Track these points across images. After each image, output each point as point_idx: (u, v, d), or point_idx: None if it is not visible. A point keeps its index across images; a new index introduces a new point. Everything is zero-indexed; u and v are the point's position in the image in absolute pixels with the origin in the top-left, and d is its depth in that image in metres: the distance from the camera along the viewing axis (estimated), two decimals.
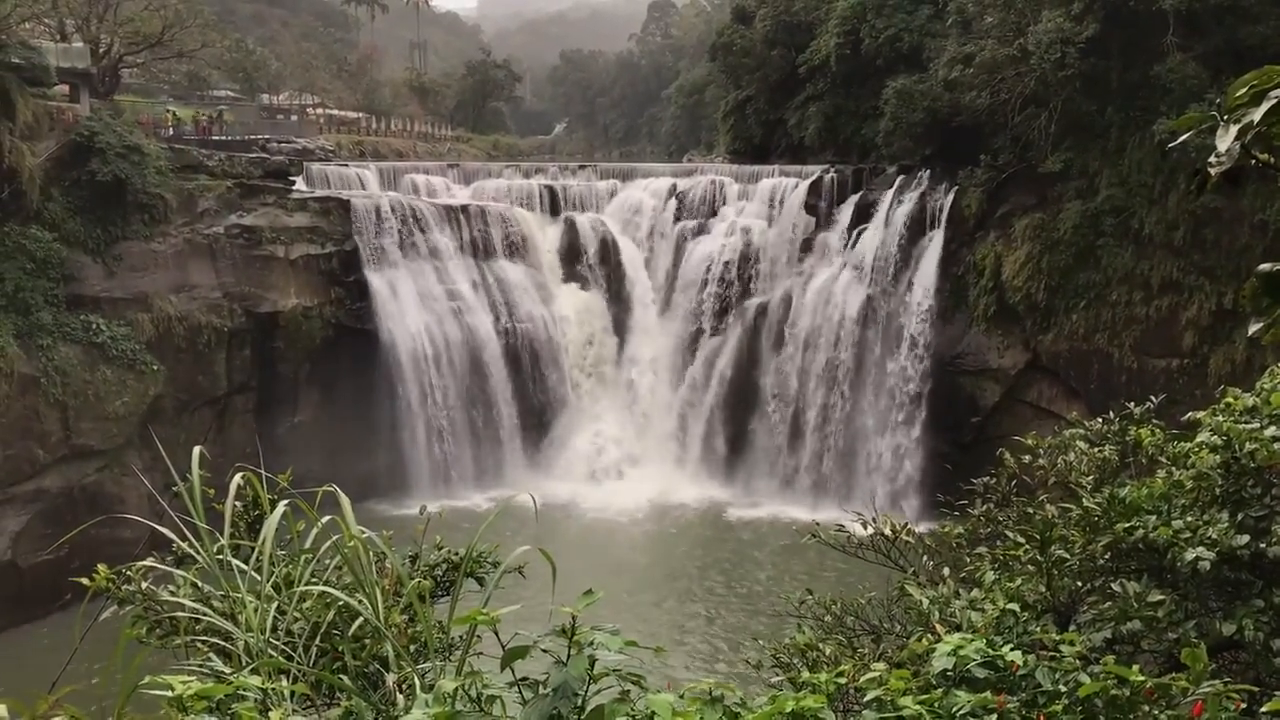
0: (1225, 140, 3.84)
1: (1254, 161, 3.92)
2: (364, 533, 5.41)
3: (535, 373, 56.07)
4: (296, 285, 50.75)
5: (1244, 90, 3.89)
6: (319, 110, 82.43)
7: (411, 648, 5.46)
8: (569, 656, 3.95)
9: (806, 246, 54.97)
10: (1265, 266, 4.26)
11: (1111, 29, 43.25)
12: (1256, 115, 3.76)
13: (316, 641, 5.40)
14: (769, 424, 54.13)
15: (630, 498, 52.10)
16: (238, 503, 6.35)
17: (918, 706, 5.18)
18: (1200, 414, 8.82)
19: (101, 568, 6.26)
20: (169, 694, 4.29)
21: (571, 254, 58.40)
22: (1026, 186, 47.53)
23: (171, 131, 54.60)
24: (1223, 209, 40.48)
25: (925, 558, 11.12)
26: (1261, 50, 39.11)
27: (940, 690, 5.43)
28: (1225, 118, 3.90)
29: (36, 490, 42.37)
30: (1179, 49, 41.66)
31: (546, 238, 58.66)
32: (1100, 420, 11.22)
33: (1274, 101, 3.75)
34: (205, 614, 5.43)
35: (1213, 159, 3.91)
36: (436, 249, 54.44)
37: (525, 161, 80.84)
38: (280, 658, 5.12)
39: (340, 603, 5.37)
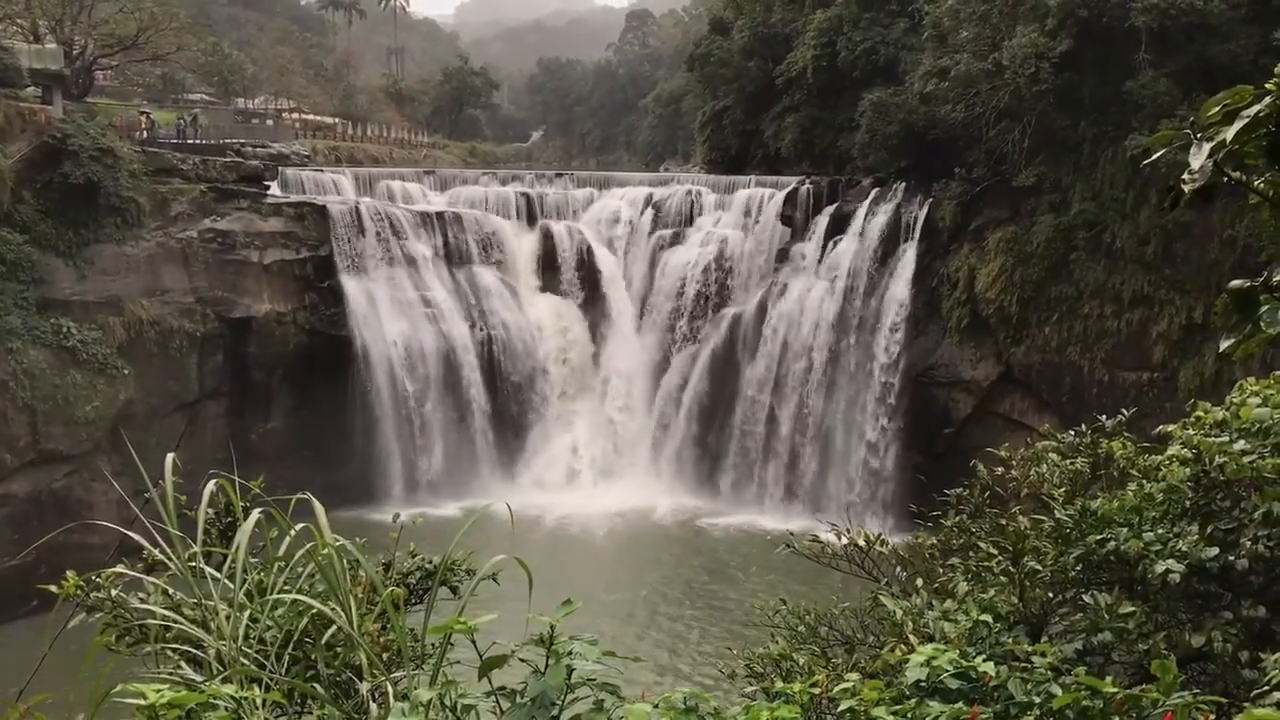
0: (1199, 158, 3.90)
1: (1225, 179, 3.98)
2: (338, 540, 5.38)
3: (510, 381, 55.93)
4: (270, 290, 50.44)
5: (1216, 109, 3.95)
6: (295, 115, 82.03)
7: (385, 656, 5.43)
8: (547, 666, 3.94)
9: (782, 257, 55.17)
10: (1235, 283, 4.31)
11: (1084, 45, 43.69)
12: (1229, 134, 3.82)
13: (289, 650, 5.35)
14: (743, 433, 54.18)
15: (605, 506, 52.04)
16: (210, 509, 6.30)
17: (891, 717, 5.20)
18: (1171, 427, 8.91)
19: (70, 574, 6.18)
20: (141, 702, 4.25)
21: (548, 262, 58.32)
22: (1000, 200, 47.90)
23: (146, 135, 54.17)
24: (1193, 224, 40.93)
25: (898, 568, 11.17)
26: (1231, 68, 39.62)
27: (914, 701, 5.46)
28: (1198, 136, 3.95)
29: (4, 495, 41.88)
30: (1150, 66, 42.13)
31: (522, 245, 58.56)
32: (1072, 432, 11.30)
33: (1245, 121, 3.81)
34: (176, 621, 5.38)
35: (1186, 176, 3.96)
36: (412, 255, 54.24)
37: (502, 169, 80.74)
38: (253, 666, 5.08)
39: (313, 610, 5.33)
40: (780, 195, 55.98)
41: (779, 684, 6.86)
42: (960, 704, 5.37)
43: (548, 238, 58.53)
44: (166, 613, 5.47)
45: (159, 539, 5.82)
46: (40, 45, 52.74)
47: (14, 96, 46.29)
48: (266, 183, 53.78)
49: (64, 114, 47.85)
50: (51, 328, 43.63)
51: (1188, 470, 8.14)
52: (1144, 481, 8.84)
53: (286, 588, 5.59)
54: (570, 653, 3.98)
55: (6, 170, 43.23)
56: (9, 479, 42.18)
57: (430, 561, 7.12)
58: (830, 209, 54.20)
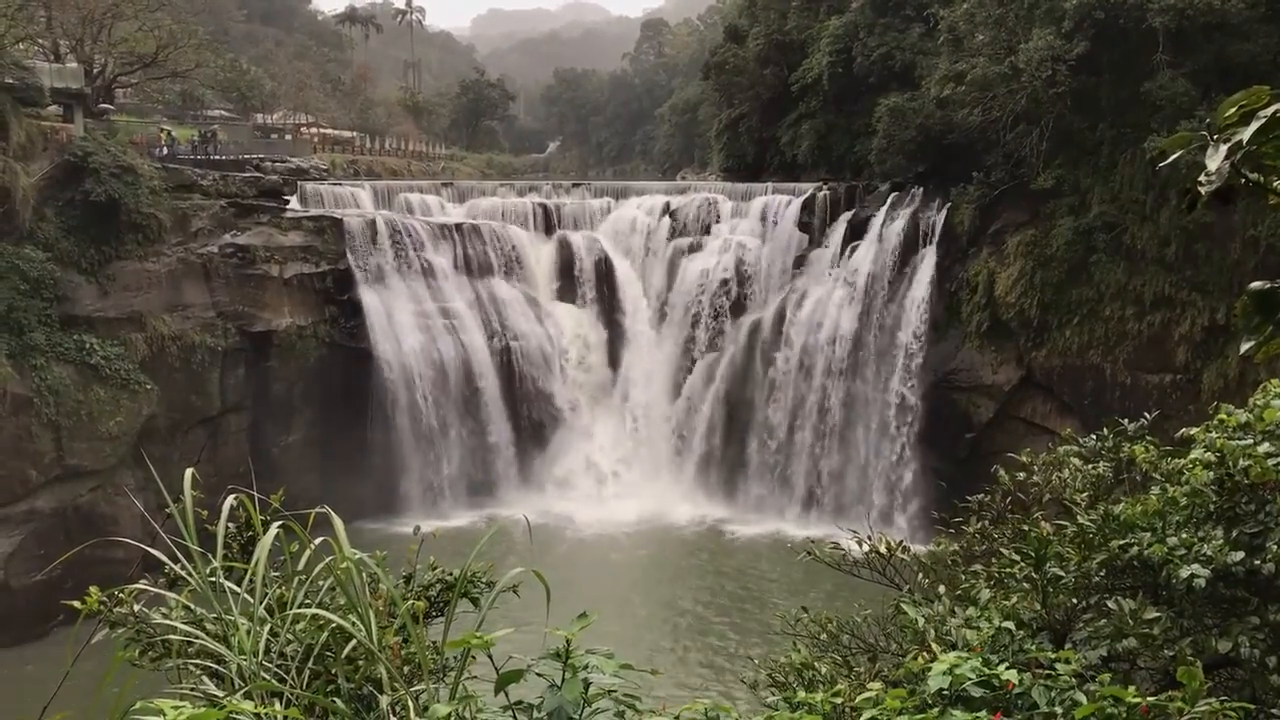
0: (1215, 160, 3.85)
1: (1244, 180, 3.94)
2: (357, 554, 5.38)
3: (529, 391, 56.01)
4: (290, 304, 50.72)
5: (1233, 110, 3.91)
6: (313, 129, 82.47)
7: (405, 669, 5.43)
8: (563, 679, 3.93)
9: (800, 263, 55.08)
10: (1256, 285, 4.26)
11: (1101, 47, 43.51)
12: (1245, 135, 3.77)
13: (310, 664, 5.36)
14: (763, 441, 54.07)
15: (625, 515, 52.00)
16: (230, 524, 6.32)
17: None
18: (1194, 430, 8.82)
19: (94, 590, 6.21)
20: (161, 719, 4.25)
21: (565, 272, 58.44)
22: (1019, 203, 47.70)
23: (166, 151, 54.60)
24: (1214, 224, 40.63)
25: (920, 575, 11.10)
26: (1250, 67, 39.38)
27: (936, 709, 5.41)
28: (1215, 137, 3.91)
29: (29, 510, 42.21)
30: (1169, 66, 41.90)
31: (540, 256, 58.71)
32: (1094, 436, 11.22)
33: (1262, 121, 3.76)
34: (198, 637, 5.40)
35: (1203, 178, 3.92)
36: (431, 267, 54.46)
37: (519, 180, 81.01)
38: (273, 680, 5.09)
39: (333, 625, 5.34)
40: (797, 202, 55.92)
41: (801, 693, 6.83)
42: (983, 712, 5.33)
43: (565, 248, 58.65)
44: (187, 628, 5.49)
45: (180, 554, 5.84)
46: (61, 64, 53.25)
47: (36, 115, 46.75)
48: (286, 197, 54.12)
49: (85, 132, 48.27)
50: (75, 344, 43.98)
51: (1211, 474, 8.05)
52: (1167, 485, 8.75)
53: (306, 602, 5.60)
54: (587, 666, 3.96)
55: (29, 188, 43.64)
56: (35, 495, 42.52)
57: (450, 574, 7.12)
58: (848, 215, 54.12)
